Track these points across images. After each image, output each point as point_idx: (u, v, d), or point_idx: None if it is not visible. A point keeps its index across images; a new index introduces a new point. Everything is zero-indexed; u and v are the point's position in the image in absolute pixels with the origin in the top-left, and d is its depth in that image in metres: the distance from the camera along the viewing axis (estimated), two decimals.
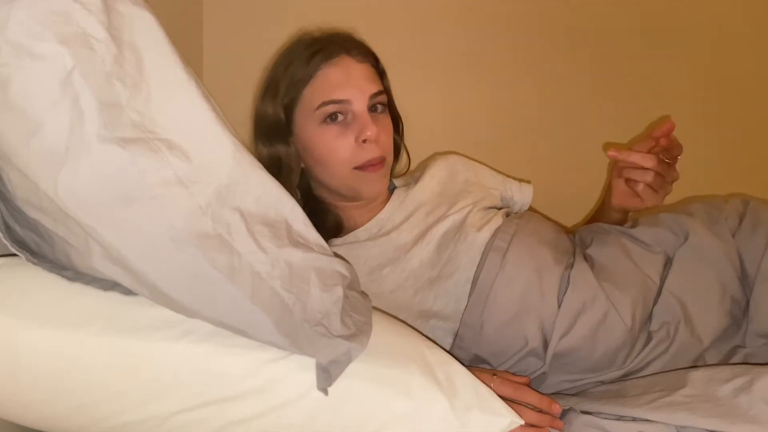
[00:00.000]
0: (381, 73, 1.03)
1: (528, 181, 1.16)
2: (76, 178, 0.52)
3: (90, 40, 0.52)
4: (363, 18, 1.23)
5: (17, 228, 0.63)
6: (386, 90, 1.02)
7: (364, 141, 0.93)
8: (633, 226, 0.99)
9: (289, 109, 0.98)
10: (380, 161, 0.95)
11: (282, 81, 0.99)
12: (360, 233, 0.99)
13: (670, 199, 0.96)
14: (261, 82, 1.06)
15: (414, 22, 1.36)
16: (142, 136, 0.53)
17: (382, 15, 1.34)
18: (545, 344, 0.87)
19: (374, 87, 0.96)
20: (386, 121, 0.99)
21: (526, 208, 1.12)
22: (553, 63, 1.40)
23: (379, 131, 0.94)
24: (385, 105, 0.99)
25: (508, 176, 1.16)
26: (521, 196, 1.12)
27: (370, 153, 0.93)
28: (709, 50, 1.44)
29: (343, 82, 0.94)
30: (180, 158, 0.55)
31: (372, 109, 0.96)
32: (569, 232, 1.07)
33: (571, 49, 1.40)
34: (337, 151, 0.94)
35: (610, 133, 1.42)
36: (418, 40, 1.36)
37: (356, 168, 0.94)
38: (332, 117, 0.94)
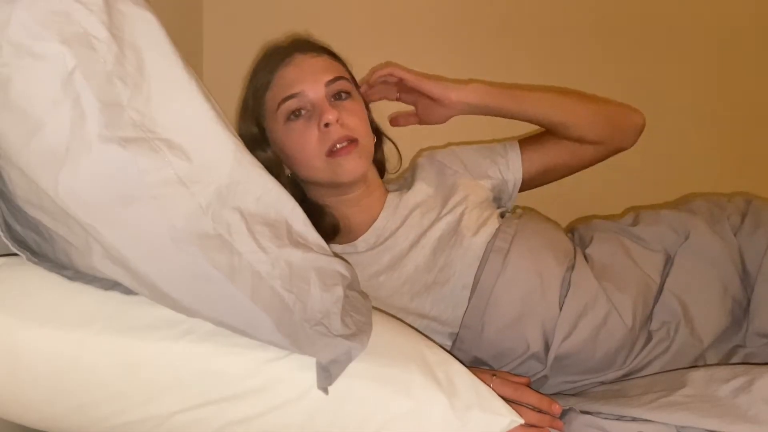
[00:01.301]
0: (342, 64, 1.03)
1: (514, 138, 1.12)
2: (77, 178, 0.52)
3: (91, 39, 0.52)
4: (361, 17, 1.24)
5: (18, 227, 0.63)
6: (350, 78, 1.01)
7: (327, 125, 0.92)
8: (634, 224, 0.98)
9: (259, 119, 1.00)
10: (349, 142, 0.94)
11: (249, 95, 1.02)
12: (359, 244, 0.99)
13: (672, 196, 0.96)
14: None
15: (411, 21, 1.36)
16: (143, 135, 0.54)
17: (379, 14, 1.34)
18: (546, 348, 0.87)
19: (330, 74, 0.96)
20: (353, 105, 0.98)
21: (519, 182, 1.09)
22: (550, 59, 1.40)
23: (343, 115, 0.94)
24: (351, 92, 0.99)
25: (493, 142, 1.13)
26: (512, 174, 1.08)
27: (335, 134, 0.93)
28: (711, 48, 1.44)
29: (297, 77, 0.95)
30: (180, 158, 0.55)
31: (334, 96, 0.96)
32: (567, 229, 1.06)
33: (569, 44, 1.40)
34: (306, 144, 0.94)
35: None
36: (417, 39, 1.36)
37: (328, 155, 0.93)
38: (295, 114, 0.95)
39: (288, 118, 0.95)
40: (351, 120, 0.95)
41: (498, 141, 1.17)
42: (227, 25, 1.31)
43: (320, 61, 0.98)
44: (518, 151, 1.09)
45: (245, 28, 1.31)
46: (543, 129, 1.09)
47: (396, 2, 1.35)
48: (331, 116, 0.92)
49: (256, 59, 1.05)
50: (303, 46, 1.00)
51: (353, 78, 1.03)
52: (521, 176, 1.08)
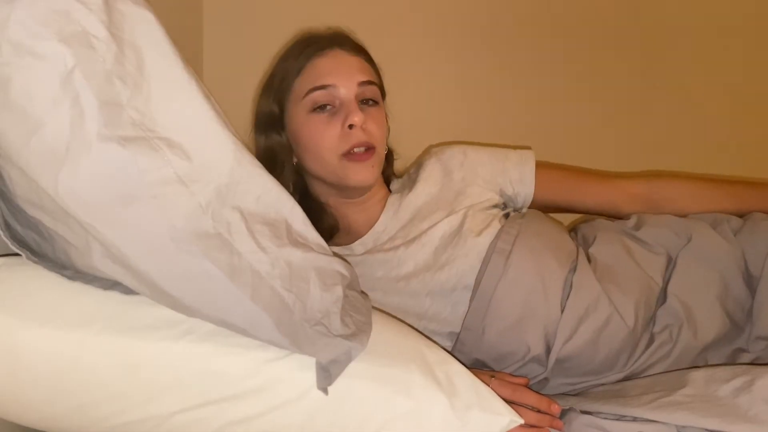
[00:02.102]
0: (375, 70, 1.02)
1: (528, 147, 1.08)
2: (77, 177, 0.52)
3: (91, 39, 0.53)
4: (362, 16, 1.24)
5: (18, 227, 0.63)
6: (380, 85, 1.01)
7: (351, 126, 0.92)
8: (637, 227, 0.98)
9: (282, 101, 0.99)
10: (368, 148, 0.93)
11: (276, 76, 1.01)
12: (356, 247, 0.99)
13: None
14: (262, 81, 1.06)
15: (414, 21, 1.36)
16: (143, 134, 0.54)
17: (381, 14, 1.34)
18: (547, 350, 0.86)
19: (364, 76, 0.96)
20: (378, 114, 0.98)
21: (530, 198, 1.04)
22: (550, 60, 1.40)
23: (368, 120, 0.94)
24: (378, 101, 0.99)
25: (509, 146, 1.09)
26: (523, 187, 1.04)
27: (356, 138, 0.92)
28: (711, 51, 1.44)
29: (332, 70, 0.95)
30: (180, 157, 0.55)
31: (363, 101, 0.96)
32: (570, 228, 1.06)
33: (568, 46, 1.40)
34: (324, 138, 0.93)
35: (608, 132, 1.42)
36: (419, 39, 1.36)
37: (344, 156, 0.93)
38: (321, 107, 0.94)
39: (313, 109, 0.95)
40: (373, 128, 0.95)
41: (501, 138, 1.17)
42: (227, 25, 1.31)
43: (357, 61, 0.98)
44: (533, 167, 1.04)
45: (245, 28, 1.31)
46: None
47: (396, 5, 1.35)
48: (357, 118, 0.92)
49: (290, 42, 1.04)
50: (342, 41, 1.00)
51: (383, 86, 1.03)
52: (532, 193, 1.04)
